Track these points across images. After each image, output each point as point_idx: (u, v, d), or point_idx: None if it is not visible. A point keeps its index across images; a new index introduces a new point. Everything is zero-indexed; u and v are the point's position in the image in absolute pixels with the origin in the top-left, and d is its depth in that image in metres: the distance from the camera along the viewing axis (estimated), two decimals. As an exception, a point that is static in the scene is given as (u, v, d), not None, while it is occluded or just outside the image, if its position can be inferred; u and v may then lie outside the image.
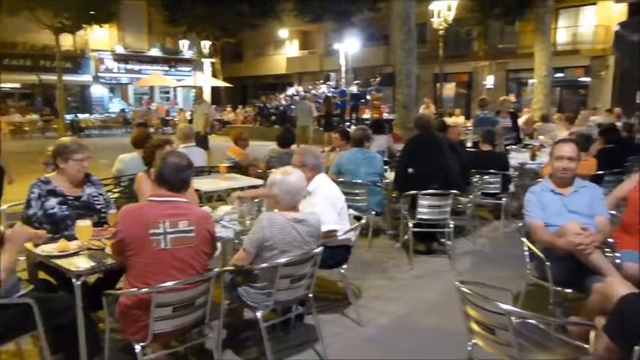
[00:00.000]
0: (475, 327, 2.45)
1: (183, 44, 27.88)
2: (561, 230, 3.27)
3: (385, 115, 17.90)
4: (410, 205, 5.34)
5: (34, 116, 22.74)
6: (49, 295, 2.87)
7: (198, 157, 6.19)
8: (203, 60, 28.57)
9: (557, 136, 7.77)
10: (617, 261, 3.38)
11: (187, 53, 29.90)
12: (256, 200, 4.14)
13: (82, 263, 2.80)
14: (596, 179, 5.33)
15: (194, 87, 27.56)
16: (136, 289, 2.57)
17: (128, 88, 30.18)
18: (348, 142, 6.34)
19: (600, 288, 2.56)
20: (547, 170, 4.40)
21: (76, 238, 3.02)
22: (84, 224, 3.01)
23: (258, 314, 3.02)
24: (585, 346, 2.38)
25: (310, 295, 3.29)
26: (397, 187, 5.64)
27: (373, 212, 5.54)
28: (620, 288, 2.41)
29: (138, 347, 2.59)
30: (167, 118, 25.01)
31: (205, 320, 2.84)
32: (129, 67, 29.33)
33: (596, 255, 3.14)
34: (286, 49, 33.48)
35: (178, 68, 31.23)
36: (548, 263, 3.28)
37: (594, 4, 21.43)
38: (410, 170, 5.34)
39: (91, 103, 28.17)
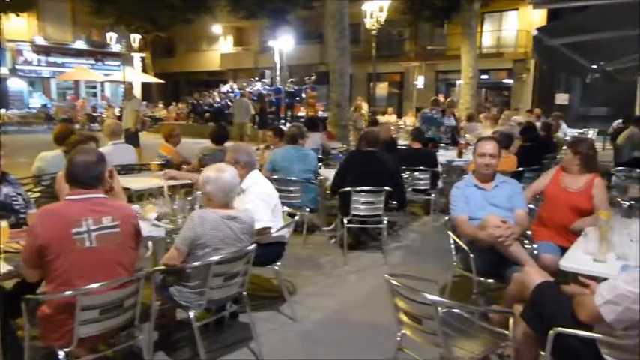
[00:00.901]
0: (404, 318, 2.55)
1: (111, 37, 26.68)
2: (483, 223, 3.46)
3: (320, 113, 18.05)
4: (342, 202, 5.44)
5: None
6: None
7: (127, 154, 6.00)
8: (133, 54, 27.51)
9: (482, 135, 8.17)
10: (535, 252, 3.63)
11: (116, 47, 28.65)
12: (189, 198, 4.07)
13: (-2, 267, 2.64)
14: (517, 175, 5.66)
15: (123, 82, 26.51)
16: (59, 292, 2.45)
17: (50, 83, 28.53)
18: (282, 140, 6.34)
19: (518, 277, 2.73)
20: (472, 167, 4.63)
21: (-8, 241, 2.85)
22: (-1, 226, 2.84)
23: (191, 314, 2.97)
24: (505, 332, 2.53)
25: (244, 292, 3.27)
26: (333, 193, 5.69)
27: (307, 209, 5.58)
28: (536, 277, 2.58)
29: (62, 353, 2.48)
30: (94, 114, 23.89)
31: (135, 322, 2.75)
32: (51, 59, 27.73)
33: (515, 246, 3.34)
34: (220, 45, 32.94)
35: (106, 62, 29.90)
36: (471, 255, 3.46)
37: (517, 9, 22.66)
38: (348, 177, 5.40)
39: (8, 97, 26.35)
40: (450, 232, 3.71)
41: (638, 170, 6.18)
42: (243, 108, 15.32)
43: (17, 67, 26.47)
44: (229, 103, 19.93)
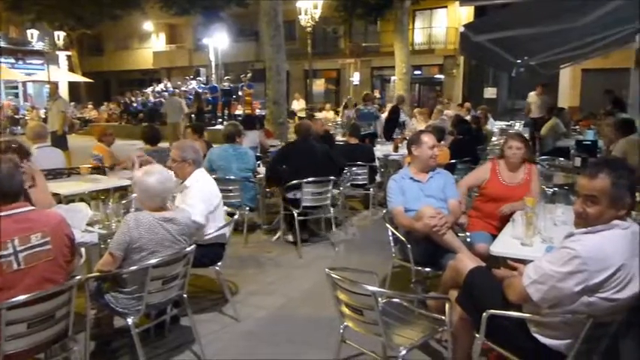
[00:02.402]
0: (346, 310, 2.59)
1: (32, 34, 25.19)
2: (418, 214, 3.56)
3: (258, 111, 17.92)
4: (283, 197, 5.48)
5: None
6: None
7: (54, 158, 5.71)
8: (57, 52, 26.12)
9: (417, 129, 8.41)
10: (468, 240, 3.79)
11: (38, 45, 27.08)
12: (123, 202, 3.94)
13: None
14: (450, 167, 5.88)
15: (48, 82, 25.07)
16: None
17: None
18: (201, 137, 6.37)
19: (452, 264, 2.84)
20: (408, 160, 4.75)
21: None
22: None
23: (130, 320, 2.88)
24: (442, 317, 2.62)
25: (185, 295, 3.21)
26: (268, 180, 5.82)
27: (247, 208, 5.56)
28: (468, 263, 2.70)
29: (-14, 371, 2.33)
30: (16, 116, 22.51)
31: (69, 333, 2.63)
32: (-36, 58, 25.84)
33: (449, 235, 3.47)
34: (152, 42, 31.95)
35: (27, 61, 28.21)
36: (409, 246, 3.56)
37: (446, 7, 23.46)
38: (280, 168, 5.50)
39: None
40: (388, 225, 3.80)
41: (561, 159, 6.58)
42: (176, 107, 14.88)
43: None
44: (164, 102, 19.37)
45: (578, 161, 5.63)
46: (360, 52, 25.46)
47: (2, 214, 2.38)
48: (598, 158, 4.59)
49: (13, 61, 27.41)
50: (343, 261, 5.16)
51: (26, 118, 21.22)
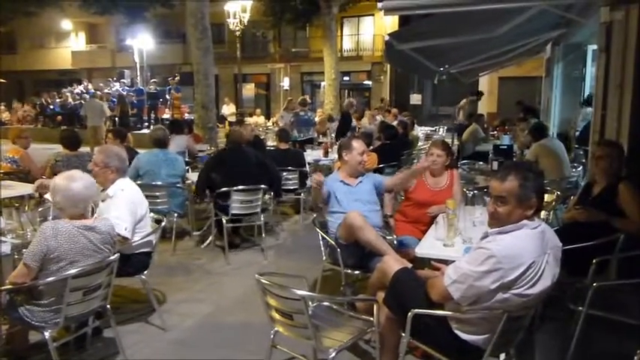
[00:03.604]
0: (276, 315, 2.59)
1: None
2: (345, 219, 3.61)
3: (186, 115, 17.51)
4: (214, 203, 5.39)
5: None
6: None
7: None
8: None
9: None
10: (395, 242, 3.90)
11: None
12: (40, 209, 3.72)
13: None
14: (378, 171, 6.04)
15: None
16: None
17: None
18: (123, 142, 6.10)
19: (379, 267, 2.92)
20: (338, 165, 4.82)
21: None
22: None
23: (47, 334, 2.72)
24: (371, 319, 2.68)
25: (107, 306, 3.08)
26: (197, 192, 5.69)
27: (176, 214, 5.42)
28: (395, 265, 2.79)
29: None
30: None
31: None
32: None
33: (377, 238, 3.54)
34: (71, 42, 30.35)
35: None
36: (338, 250, 3.62)
37: (372, 15, 24.07)
38: (213, 175, 5.39)
39: None
40: (317, 229, 3.84)
41: (480, 163, 6.94)
42: (97, 110, 14.18)
43: None
44: (84, 104, 18.44)
45: (495, 165, 5.96)
46: (290, 57, 25.57)
47: None
48: (508, 162, 4.89)
49: None
50: (273, 266, 5.16)
51: None
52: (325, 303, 2.81)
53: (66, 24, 28.35)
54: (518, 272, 2.15)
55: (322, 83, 21.51)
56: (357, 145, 4.04)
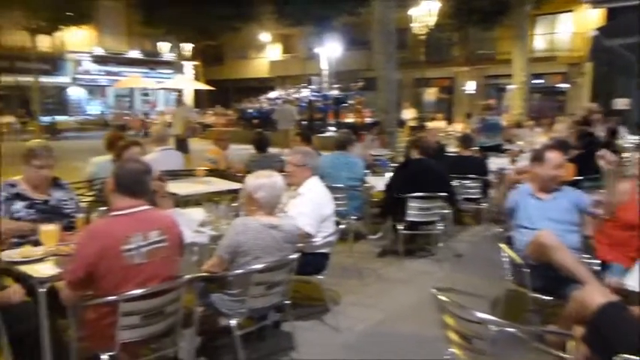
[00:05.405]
0: (452, 335, 2.41)
1: (162, 47, 27.52)
2: (535, 239, 3.23)
3: (367, 120, 17.92)
4: (395, 208, 5.30)
5: (10, 118, 22.21)
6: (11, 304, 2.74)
7: (174, 160, 6.09)
8: (183, 62, 28.22)
9: (535, 142, 7.82)
10: (596, 268, 3.37)
11: (168, 56, 29.51)
12: (234, 204, 4.04)
13: (47, 270, 2.68)
14: (574, 184, 5.35)
15: (175, 90, 27.21)
16: (101, 298, 2.46)
17: (106, 90, 29.70)
18: (309, 145, 6.29)
19: (578, 296, 2.53)
20: (525, 176, 4.38)
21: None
22: (48, 229, 2.89)
23: (232, 322, 2.93)
24: (562, 354, 2.34)
25: (287, 301, 3.21)
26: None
27: (353, 217, 5.50)
28: (598, 297, 2.38)
29: (105, 357, 2.49)
30: (147, 120, 24.65)
31: (177, 328, 2.74)
32: (108, 68, 28.83)
33: (574, 261, 3.11)
34: (268, 52, 33.38)
35: (158, 70, 30.78)
36: (527, 270, 3.26)
37: (571, 10, 21.81)
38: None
39: (69, 105, 27.66)
40: (502, 245, 3.51)
41: None
42: (287, 114, 15.34)
43: (77, 76, 27.72)
44: (276, 109, 20.07)
45: None
46: (474, 59, 24.50)
47: (124, 212, 2.54)
48: None
49: (147, 70, 30.08)
50: (449, 279, 4.91)
51: (155, 122, 23.12)
52: (510, 329, 2.53)
53: (264, 36, 31.25)
54: None
55: (508, 86, 20.14)
56: (552, 156, 3.58)
